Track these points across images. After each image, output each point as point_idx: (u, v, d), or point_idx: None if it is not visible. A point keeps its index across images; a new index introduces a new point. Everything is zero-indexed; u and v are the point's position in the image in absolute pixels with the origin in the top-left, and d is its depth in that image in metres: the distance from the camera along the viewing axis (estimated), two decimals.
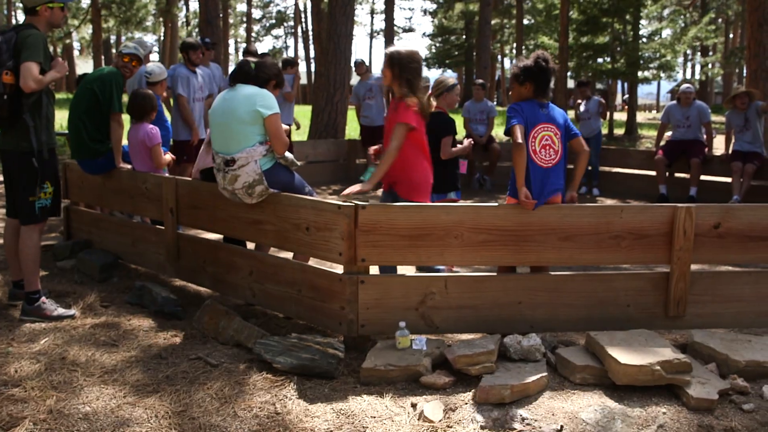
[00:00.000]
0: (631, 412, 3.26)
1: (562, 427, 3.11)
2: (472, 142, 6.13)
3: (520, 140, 3.97)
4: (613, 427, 3.13)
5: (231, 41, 47.79)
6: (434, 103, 5.62)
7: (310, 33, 44.82)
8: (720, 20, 40.10)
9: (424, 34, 51.83)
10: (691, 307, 4.06)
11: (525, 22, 34.52)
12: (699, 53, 39.79)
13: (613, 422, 3.17)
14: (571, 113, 14.88)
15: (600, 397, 3.41)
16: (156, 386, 3.55)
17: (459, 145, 5.80)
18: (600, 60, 20.32)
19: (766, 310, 4.13)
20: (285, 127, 4.53)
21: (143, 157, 5.70)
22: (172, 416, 3.22)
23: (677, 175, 9.68)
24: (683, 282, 3.99)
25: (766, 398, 3.45)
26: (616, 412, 3.25)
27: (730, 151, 9.13)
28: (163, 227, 5.25)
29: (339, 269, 4.06)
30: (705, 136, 9.52)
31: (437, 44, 48.38)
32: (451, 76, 6.77)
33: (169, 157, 5.95)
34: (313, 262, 4.47)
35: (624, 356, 3.45)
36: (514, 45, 36.40)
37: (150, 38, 48.20)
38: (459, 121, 8.35)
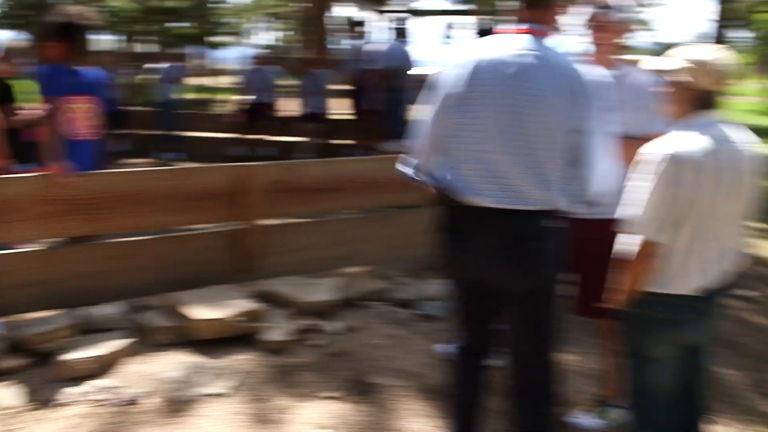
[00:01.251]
0: (216, 363, 3.42)
1: (148, 390, 3.14)
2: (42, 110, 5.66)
3: (48, 111, 3.81)
4: (200, 380, 3.25)
5: None
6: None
7: None
8: None
9: None
10: (265, 258, 4.33)
11: None
12: (275, 20, 41.75)
13: (199, 375, 3.29)
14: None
15: (186, 355, 3.50)
16: None
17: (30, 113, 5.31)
18: (177, 24, 20.21)
19: (330, 254, 4.59)
20: None
21: None
22: None
23: (254, 136, 10.11)
24: (255, 236, 4.24)
25: (332, 332, 3.88)
26: (202, 366, 3.37)
27: (301, 113, 9.83)
28: None
29: None
30: (278, 99, 10.14)
31: (8, 2, 43.29)
32: (21, 38, 6.13)
33: None
34: None
35: (205, 312, 3.59)
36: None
37: None
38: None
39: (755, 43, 26.89)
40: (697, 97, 2.42)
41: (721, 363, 4.37)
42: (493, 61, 2.40)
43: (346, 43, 9.54)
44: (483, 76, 2.40)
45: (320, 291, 4.18)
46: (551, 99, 2.34)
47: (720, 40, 13.02)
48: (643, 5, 20.92)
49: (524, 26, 2.47)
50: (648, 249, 2.41)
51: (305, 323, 3.87)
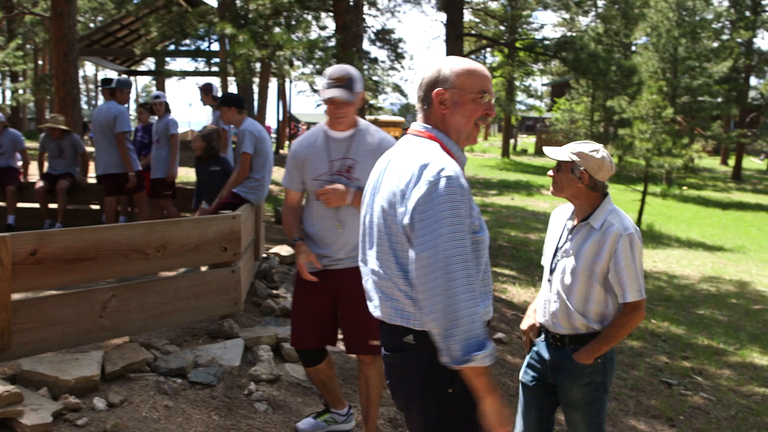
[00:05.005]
0: None
1: None
2: None
3: None
4: None
5: None
6: None
7: None
8: (29, 46, 40.01)
9: None
10: (17, 336, 3.98)
11: None
12: (9, 79, 38.99)
13: None
14: None
15: None
16: None
17: None
18: None
19: (89, 327, 4.31)
20: None
21: None
22: None
23: None
24: (5, 313, 3.88)
25: (97, 409, 3.67)
26: None
27: (46, 177, 9.17)
28: None
29: None
30: (21, 163, 9.43)
31: None
32: None
33: None
34: None
35: None
36: None
37: None
38: None
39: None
40: (602, 187, 3.14)
41: None
42: None
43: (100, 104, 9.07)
44: None
45: (82, 366, 3.94)
46: None
47: None
48: (393, 69, 22.40)
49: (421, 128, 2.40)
50: (642, 306, 3.08)
51: (68, 402, 3.63)
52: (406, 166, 2.21)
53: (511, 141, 47.03)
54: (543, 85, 54.93)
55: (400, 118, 53.03)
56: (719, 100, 34.90)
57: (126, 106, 8.44)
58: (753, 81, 43.01)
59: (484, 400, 2.14)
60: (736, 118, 41.82)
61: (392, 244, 2.24)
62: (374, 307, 2.39)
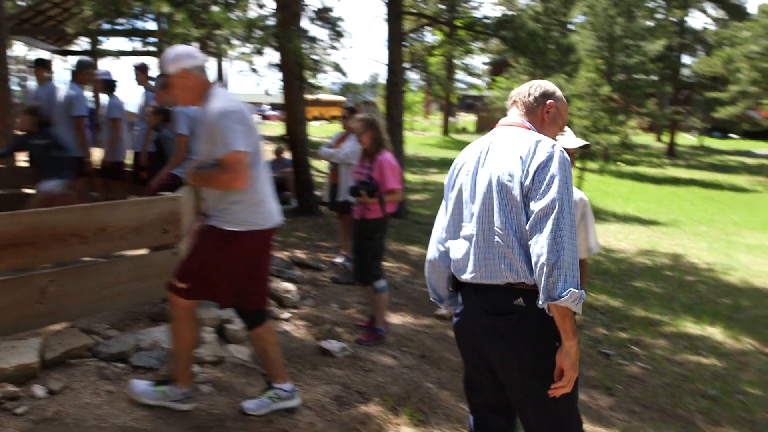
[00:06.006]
0: None
1: None
2: None
3: None
4: None
5: None
6: None
7: None
8: None
9: None
10: None
11: None
12: None
13: None
14: None
15: None
16: None
17: None
18: None
19: (27, 313, 4.22)
20: None
21: None
22: None
23: None
24: None
25: (37, 397, 3.61)
26: None
27: None
28: None
29: None
30: None
31: None
32: None
33: None
34: None
35: None
36: None
37: None
38: None
39: (429, 83, 29.87)
40: None
41: (427, 378, 4.81)
42: None
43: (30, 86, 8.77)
44: None
45: (20, 354, 3.86)
46: None
47: (397, 81, 14.18)
48: (333, 48, 22.23)
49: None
50: None
51: (6, 390, 3.55)
52: (521, 142, 2.58)
53: (451, 119, 47.28)
54: (483, 63, 55.26)
55: (341, 98, 52.74)
56: (654, 78, 35.61)
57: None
58: (686, 59, 44.08)
59: (568, 341, 2.40)
60: (670, 95, 42.84)
61: (504, 207, 2.52)
62: (470, 273, 2.61)
